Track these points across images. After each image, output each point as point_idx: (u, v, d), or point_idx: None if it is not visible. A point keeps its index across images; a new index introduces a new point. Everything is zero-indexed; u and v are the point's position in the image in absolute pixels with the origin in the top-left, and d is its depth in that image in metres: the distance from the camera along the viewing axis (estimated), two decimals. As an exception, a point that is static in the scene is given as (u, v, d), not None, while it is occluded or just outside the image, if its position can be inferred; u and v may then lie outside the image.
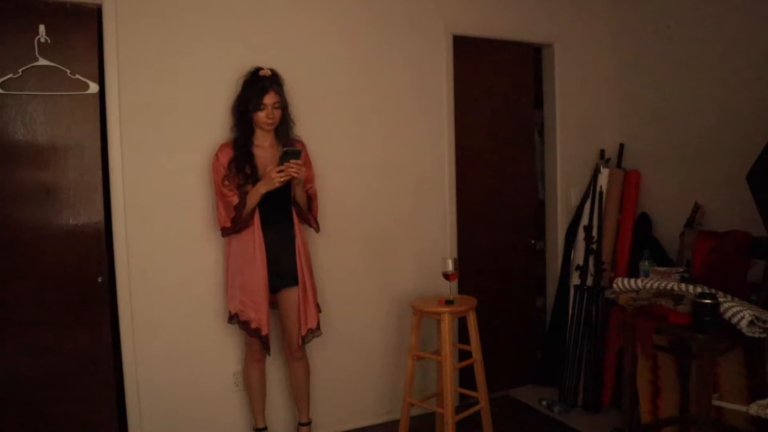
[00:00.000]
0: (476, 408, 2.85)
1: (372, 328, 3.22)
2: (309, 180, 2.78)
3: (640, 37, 3.55)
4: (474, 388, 2.88)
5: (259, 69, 2.66)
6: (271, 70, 2.67)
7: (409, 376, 2.87)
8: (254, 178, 2.61)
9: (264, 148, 2.68)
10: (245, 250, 2.62)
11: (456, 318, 2.93)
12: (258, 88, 2.61)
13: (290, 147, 2.61)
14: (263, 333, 2.61)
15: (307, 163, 2.77)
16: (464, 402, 3.12)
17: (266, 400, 2.85)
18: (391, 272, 3.24)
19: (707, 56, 3.12)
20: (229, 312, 2.70)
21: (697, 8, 3.17)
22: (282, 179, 2.48)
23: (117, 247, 2.66)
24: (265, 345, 2.65)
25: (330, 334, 3.07)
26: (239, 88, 2.69)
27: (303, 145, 2.79)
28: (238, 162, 2.61)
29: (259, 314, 2.61)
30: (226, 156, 2.64)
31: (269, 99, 2.60)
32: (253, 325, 2.63)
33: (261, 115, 2.62)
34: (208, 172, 2.78)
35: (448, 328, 2.71)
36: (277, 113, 2.64)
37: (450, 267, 2.78)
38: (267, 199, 2.59)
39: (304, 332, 2.68)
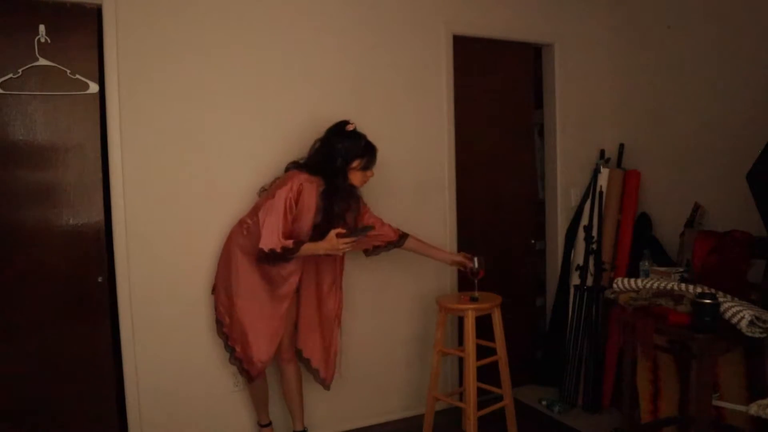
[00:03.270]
0: (500, 404, 2.93)
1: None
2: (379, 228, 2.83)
3: (640, 37, 3.55)
4: (491, 383, 2.96)
5: (346, 123, 2.66)
6: (353, 124, 2.67)
7: (434, 371, 2.95)
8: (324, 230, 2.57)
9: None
10: (265, 286, 2.60)
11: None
12: (370, 148, 2.65)
13: (358, 203, 2.73)
14: (244, 366, 2.64)
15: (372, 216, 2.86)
16: (485, 397, 3.12)
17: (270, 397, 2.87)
18: (389, 271, 3.25)
19: (707, 56, 3.12)
20: (216, 318, 2.72)
21: (696, 8, 3.17)
22: (346, 250, 2.53)
23: (117, 247, 2.66)
24: (243, 373, 2.68)
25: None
26: (336, 137, 2.62)
27: (366, 206, 2.86)
28: (326, 219, 2.59)
29: (244, 351, 2.62)
30: (298, 193, 2.52)
31: (375, 163, 2.67)
32: (238, 355, 2.65)
33: (361, 175, 2.65)
34: (209, 171, 2.79)
35: (471, 324, 2.77)
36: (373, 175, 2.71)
37: (477, 264, 2.86)
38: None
39: (329, 378, 2.77)
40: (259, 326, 2.59)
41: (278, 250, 2.47)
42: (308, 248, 2.52)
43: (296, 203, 2.52)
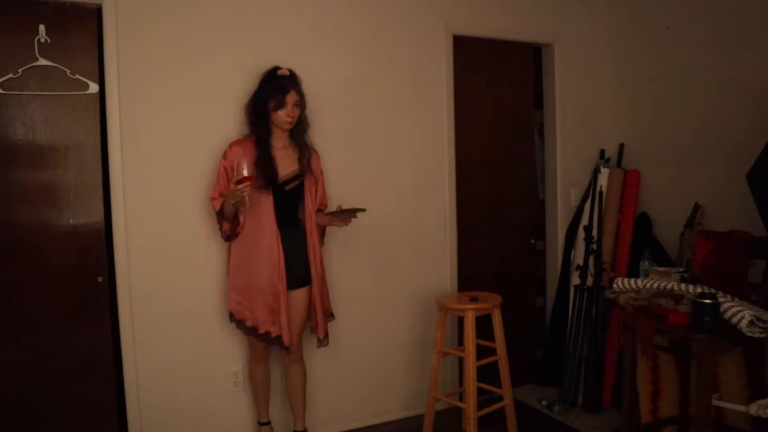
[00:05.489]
0: (500, 404, 2.94)
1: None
2: (321, 193, 2.80)
3: (640, 38, 3.55)
4: (491, 383, 2.97)
5: (277, 68, 2.67)
6: (289, 70, 2.67)
7: (434, 371, 2.96)
8: (274, 180, 2.60)
9: (278, 148, 2.67)
10: (255, 252, 2.60)
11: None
12: (280, 86, 2.61)
13: (307, 149, 2.72)
14: (260, 331, 2.62)
15: (319, 174, 2.80)
16: (485, 397, 3.13)
17: (270, 397, 2.87)
18: (389, 272, 3.25)
19: (707, 56, 3.12)
20: (229, 311, 2.72)
21: (696, 8, 3.17)
22: (241, 193, 2.42)
23: (117, 247, 2.66)
24: (264, 341, 2.64)
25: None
26: (257, 87, 2.68)
27: (317, 154, 2.81)
28: (260, 163, 2.59)
29: (254, 314, 2.62)
30: (237, 156, 2.58)
31: (291, 98, 2.61)
32: (249, 324, 2.64)
33: (281, 114, 2.61)
34: (208, 171, 2.78)
35: (471, 324, 2.77)
36: (297, 112, 2.65)
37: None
38: (278, 201, 2.61)
39: (321, 335, 2.71)
40: (275, 300, 2.59)
41: (216, 209, 2.62)
42: (225, 203, 2.56)
43: (231, 169, 2.57)
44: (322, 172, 2.84)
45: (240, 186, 2.41)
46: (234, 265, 2.69)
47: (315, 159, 2.79)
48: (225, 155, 2.66)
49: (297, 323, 2.69)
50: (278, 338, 2.62)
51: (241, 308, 2.65)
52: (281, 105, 2.60)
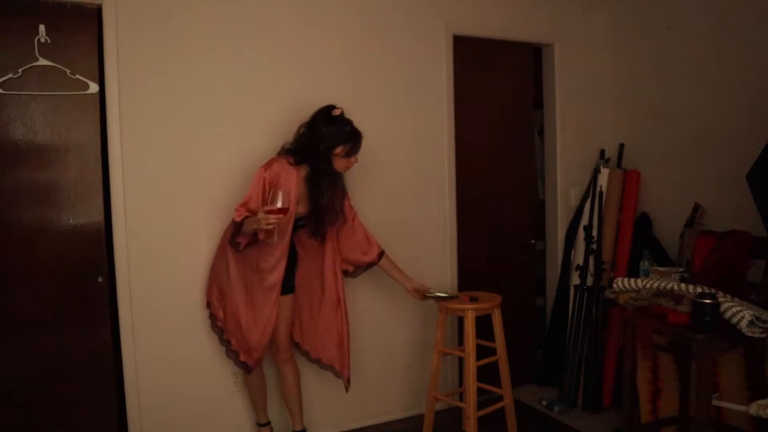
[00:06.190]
0: (500, 404, 2.94)
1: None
2: (373, 240, 2.84)
3: (640, 38, 3.55)
4: (491, 383, 2.97)
5: (332, 107, 2.63)
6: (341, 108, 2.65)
7: (434, 370, 2.96)
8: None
9: None
10: (255, 276, 2.59)
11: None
12: (354, 135, 2.60)
13: (341, 190, 2.70)
14: (240, 359, 2.64)
15: (349, 212, 2.80)
16: (485, 397, 3.13)
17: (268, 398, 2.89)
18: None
19: (707, 57, 3.12)
20: (207, 302, 2.75)
21: (696, 9, 3.17)
22: (268, 226, 2.36)
23: (117, 247, 2.66)
24: (241, 366, 2.67)
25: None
26: (328, 124, 2.58)
27: (348, 196, 2.80)
28: (314, 204, 2.59)
29: (240, 342, 2.63)
30: (276, 177, 2.51)
31: (359, 149, 2.63)
32: (234, 348, 2.67)
33: (345, 162, 2.61)
34: (208, 171, 2.79)
35: (471, 324, 2.78)
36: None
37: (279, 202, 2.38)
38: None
39: (346, 376, 2.75)
40: (252, 316, 2.59)
41: (237, 219, 2.47)
42: (248, 221, 2.45)
43: (274, 184, 2.48)
44: (352, 209, 2.82)
45: (271, 217, 2.34)
46: (220, 267, 2.67)
47: (346, 201, 2.79)
48: (270, 167, 2.53)
49: (283, 324, 2.71)
50: (236, 355, 2.65)
51: (218, 311, 2.68)
52: (351, 153, 2.60)
